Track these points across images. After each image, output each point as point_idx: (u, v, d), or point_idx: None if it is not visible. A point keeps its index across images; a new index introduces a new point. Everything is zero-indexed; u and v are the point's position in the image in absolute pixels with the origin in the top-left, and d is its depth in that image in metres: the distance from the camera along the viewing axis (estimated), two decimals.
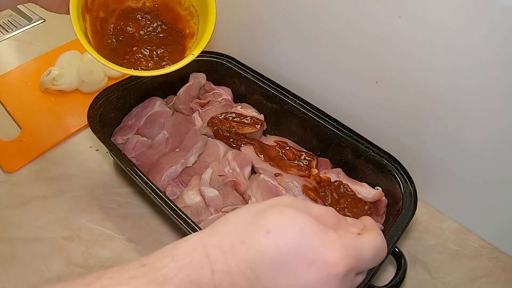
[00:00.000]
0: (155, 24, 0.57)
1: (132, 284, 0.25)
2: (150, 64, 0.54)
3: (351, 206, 0.56)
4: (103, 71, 0.77)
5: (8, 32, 0.94)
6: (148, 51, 0.55)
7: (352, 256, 0.28)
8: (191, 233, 0.46)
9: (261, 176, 0.59)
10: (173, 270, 0.26)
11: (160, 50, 0.55)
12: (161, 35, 0.57)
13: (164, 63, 0.54)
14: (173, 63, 0.51)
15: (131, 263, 0.27)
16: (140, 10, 0.58)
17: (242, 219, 0.29)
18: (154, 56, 0.54)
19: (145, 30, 0.57)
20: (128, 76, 0.66)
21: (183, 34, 0.57)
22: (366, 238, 0.30)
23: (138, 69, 0.53)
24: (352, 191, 0.57)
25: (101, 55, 0.47)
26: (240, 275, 0.27)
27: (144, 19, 0.58)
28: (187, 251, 0.28)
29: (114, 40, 0.56)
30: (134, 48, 0.55)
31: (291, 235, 0.27)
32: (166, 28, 0.58)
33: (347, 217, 0.33)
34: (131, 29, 0.57)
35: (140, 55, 0.54)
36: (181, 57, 0.52)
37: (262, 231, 0.27)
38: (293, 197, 0.30)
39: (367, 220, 0.35)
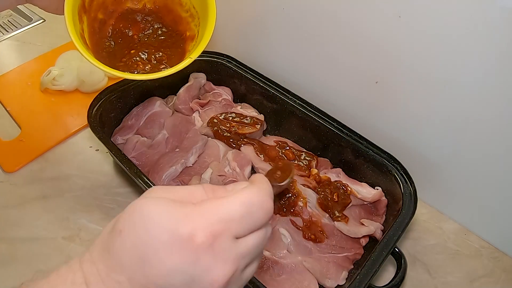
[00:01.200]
0: (155, 26, 0.56)
1: None
2: (147, 67, 0.53)
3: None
4: (103, 71, 0.77)
5: (8, 32, 0.94)
6: (146, 54, 0.54)
7: (213, 221, 0.26)
8: None
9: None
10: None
11: (158, 54, 0.54)
12: (161, 37, 0.56)
13: (162, 66, 0.53)
14: (171, 67, 0.50)
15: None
16: (140, 12, 0.57)
17: (107, 228, 0.28)
18: (152, 59, 0.53)
19: (145, 33, 0.56)
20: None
21: (183, 36, 0.56)
22: (233, 197, 0.27)
23: (134, 73, 0.51)
24: (350, 191, 0.57)
25: (98, 58, 0.46)
26: (112, 282, 0.26)
27: (144, 21, 0.56)
28: (63, 270, 0.28)
29: (112, 43, 0.55)
30: (132, 51, 0.54)
31: (141, 226, 0.26)
32: (166, 30, 0.56)
33: (230, 184, 0.30)
34: (130, 31, 0.56)
35: (137, 58, 0.53)
36: (181, 60, 0.51)
37: (116, 232, 0.26)
38: (160, 187, 0.28)
39: (255, 177, 0.31)
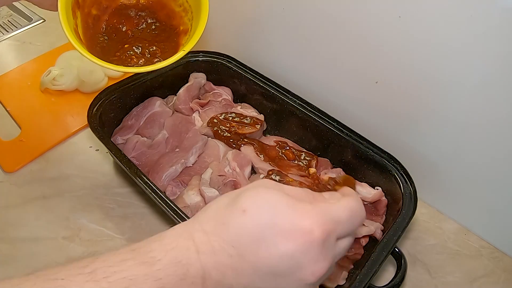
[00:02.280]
0: (148, 21, 0.57)
1: (123, 265, 0.27)
2: (141, 61, 0.53)
3: None
4: (103, 71, 0.77)
5: (8, 32, 0.94)
6: (140, 48, 0.54)
7: (327, 220, 0.29)
8: None
9: (261, 176, 0.59)
10: (161, 253, 0.28)
11: (152, 48, 0.54)
12: (154, 32, 0.56)
13: (156, 60, 0.53)
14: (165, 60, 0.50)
15: (122, 249, 0.29)
16: (134, 7, 0.57)
17: (221, 203, 0.30)
18: (146, 53, 0.53)
19: (138, 27, 0.56)
20: (128, 76, 0.66)
21: (177, 31, 0.56)
22: (340, 203, 0.31)
23: (128, 66, 0.52)
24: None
25: (92, 53, 0.46)
26: (224, 254, 0.28)
27: (137, 16, 0.57)
28: (173, 236, 0.29)
29: (106, 38, 0.55)
30: (126, 46, 0.54)
31: (265, 210, 0.28)
32: (159, 25, 0.57)
33: (325, 192, 0.34)
34: (124, 26, 0.56)
35: (131, 52, 0.53)
36: (174, 53, 0.51)
37: (238, 210, 0.29)
38: (269, 180, 0.32)
39: (345, 189, 0.36)
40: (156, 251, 0.28)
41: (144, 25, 0.56)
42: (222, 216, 0.29)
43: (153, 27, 0.56)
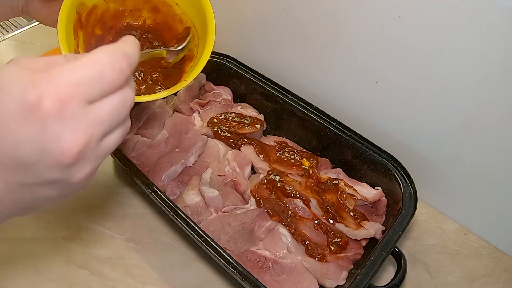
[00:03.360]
0: (154, 44, 0.54)
1: None
2: (142, 87, 0.50)
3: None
4: None
5: (8, 32, 0.94)
6: (142, 73, 0.51)
7: (59, 85, 0.24)
8: (191, 233, 0.46)
9: (261, 176, 0.59)
10: None
11: (155, 74, 0.51)
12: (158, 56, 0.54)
13: (157, 87, 0.51)
14: (167, 88, 0.48)
15: None
16: (140, 28, 0.54)
17: None
18: (148, 79, 0.51)
19: (143, 50, 0.54)
20: None
21: (182, 56, 0.53)
22: (81, 60, 0.25)
23: None
24: (350, 194, 0.57)
25: None
26: None
27: (143, 38, 0.53)
28: None
29: None
30: None
31: None
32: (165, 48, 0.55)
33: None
34: None
35: (133, 77, 0.51)
36: (177, 81, 0.49)
37: None
38: (27, 56, 0.26)
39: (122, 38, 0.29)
40: None
41: (149, 48, 0.54)
42: None
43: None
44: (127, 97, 0.27)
